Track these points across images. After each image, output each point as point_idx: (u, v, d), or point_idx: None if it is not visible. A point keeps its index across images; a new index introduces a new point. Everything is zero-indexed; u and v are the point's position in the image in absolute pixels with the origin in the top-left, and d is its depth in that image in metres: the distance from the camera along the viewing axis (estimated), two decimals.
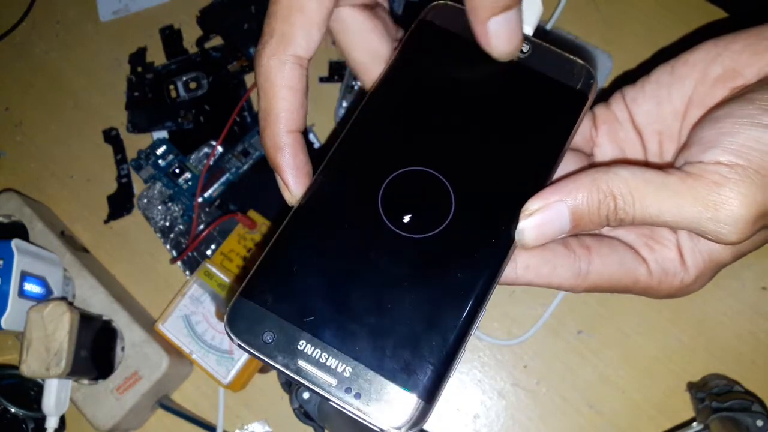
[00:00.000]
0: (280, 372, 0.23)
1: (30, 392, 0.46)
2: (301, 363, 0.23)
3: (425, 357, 0.22)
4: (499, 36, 0.25)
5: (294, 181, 0.26)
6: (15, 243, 0.43)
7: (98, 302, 0.46)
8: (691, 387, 0.42)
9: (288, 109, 0.26)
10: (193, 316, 0.44)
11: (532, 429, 0.43)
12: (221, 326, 0.44)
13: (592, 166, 0.29)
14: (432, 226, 0.24)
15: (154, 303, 0.49)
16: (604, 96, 0.31)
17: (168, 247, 0.50)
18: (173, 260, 0.49)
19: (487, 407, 0.44)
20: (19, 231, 0.48)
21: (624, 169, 0.24)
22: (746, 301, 0.43)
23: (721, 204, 0.22)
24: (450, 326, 0.23)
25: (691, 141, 0.25)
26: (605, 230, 0.28)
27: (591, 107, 0.28)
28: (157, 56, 0.56)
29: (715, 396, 0.39)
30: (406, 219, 0.24)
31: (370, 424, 0.22)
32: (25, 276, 0.43)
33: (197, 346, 0.44)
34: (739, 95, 0.25)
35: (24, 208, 0.49)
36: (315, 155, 0.48)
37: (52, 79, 0.57)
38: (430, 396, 0.22)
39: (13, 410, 0.44)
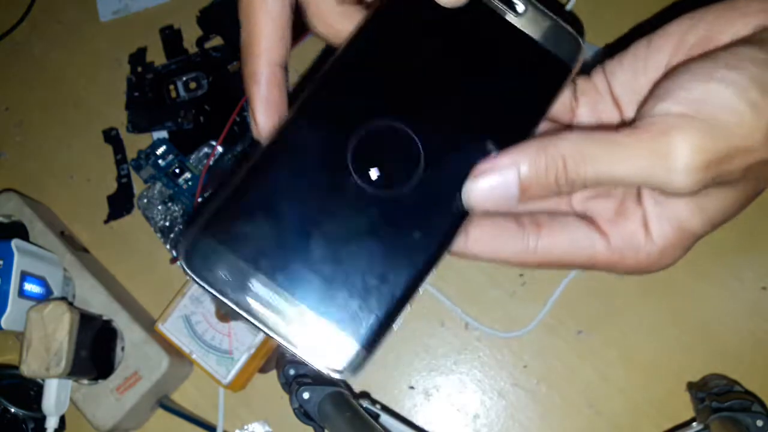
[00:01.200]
0: (224, 305, 0.24)
1: (30, 392, 0.46)
2: (250, 301, 0.23)
3: (371, 308, 0.23)
4: None
5: (263, 115, 0.26)
6: (15, 243, 0.43)
7: (98, 302, 0.46)
8: (691, 387, 0.42)
9: (268, 40, 0.26)
10: (193, 316, 0.44)
11: (532, 429, 0.43)
12: (221, 326, 0.44)
13: None
14: (397, 182, 0.25)
15: (154, 303, 0.49)
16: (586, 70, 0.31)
17: (168, 247, 0.50)
18: (173, 260, 0.49)
19: (487, 407, 0.44)
20: (19, 231, 0.48)
21: (572, 133, 0.23)
22: (746, 301, 0.43)
23: (670, 152, 0.22)
24: (399, 282, 0.24)
25: (648, 96, 0.25)
26: (572, 204, 0.28)
27: (574, 80, 0.28)
28: (157, 56, 0.56)
29: (715, 396, 0.39)
30: (373, 173, 0.25)
31: (313, 366, 0.23)
32: (25, 276, 0.43)
33: (197, 346, 0.44)
34: (706, 54, 0.25)
35: (24, 208, 0.49)
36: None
37: (52, 79, 0.57)
38: (370, 345, 0.23)
39: (13, 410, 0.44)
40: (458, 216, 0.24)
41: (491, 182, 0.24)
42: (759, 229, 0.44)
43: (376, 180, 0.25)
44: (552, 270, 0.28)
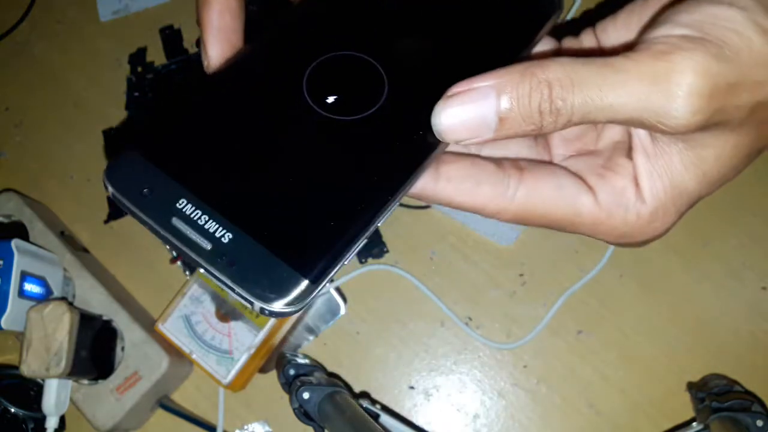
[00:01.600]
0: (148, 227, 0.21)
1: (30, 392, 0.46)
2: (176, 221, 0.20)
3: (318, 237, 0.20)
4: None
5: (214, 42, 0.24)
6: (15, 243, 0.43)
7: (98, 302, 0.46)
8: (691, 387, 0.42)
9: None
10: (193, 316, 0.44)
11: (532, 429, 0.43)
12: (221, 326, 0.44)
13: None
14: (356, 109, 0.22)
15: (154, 303, 0.49)
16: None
17: (168, 247, 0.50)
18: (173, 260, 0.49)
19: (487, 407, 0.44)
20: (19, 231, 0.48)
21: (563, 57, 0.20)
22: (746, 301, 0.43)
23: (672, 74, 0.19)
24: (355, 211, 0.21)
25: (647, 25, 0.23)
26: (552, 161, 0.25)
27: (559, 40, 0.27)
28: (157, 56, 0.56)
29: (715, 396, 0.39)
30: (330, 98, 0.23)
31: (245, 298, 0.20)
32: (25, 276, 0.43)
33: (197, 346, 0.44)
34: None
35: (24, 208, 0.49)
36: None
37: (52, 79, 0.57)
38: (315, 277, 0.20)
39: (13, 410, 0.44)
40: (424, 147, 0.22)
41: (466, 106, 0.20)
42: (759, 229, 0.44)
43: (332, 104, 0.22)
44: (527, 225, 0.26)
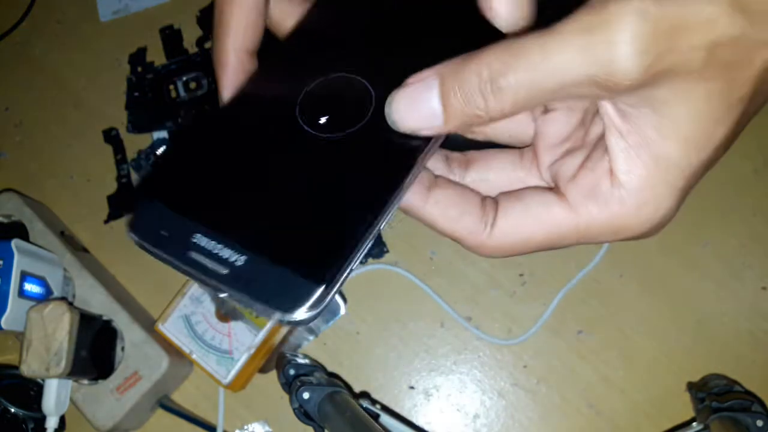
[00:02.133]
0: (170, 264, 0.23)
1: (30, 392, 0.46)
2: (193, 255, 0.22)
3: (324, 243, 0.22)
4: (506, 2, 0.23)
5: (230, 91, 0.26)
6: (15, 243, 0.43)
7: (98, 302, 0.46)
8: (691, 387, 0.42)
9: (238, 27, 0.25)
10: (193, 316, 0.44)
11: (532, 429, 0.43)
12: (221, 326, 0.44)
13: None
14: (345, 126, 0.24)
15: (154, 303, 0.49)
16: None
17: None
18: None
19: (487, 407, 0.44)
20: (19, 231, 0.48)
21: (507, 39, 0.20)
22: (746, 301, 0.43)
23: (610, 21, 0.18)
24: (353, 218, 0.22)
25: None
26: (541, 173, 0.25)
27: None
28: (157, 56, 0.56)
29: (715, 396, 0.39)
30: (322, 119, 0.24)
31: (268, 313, 0.21)
32: (25, 276, 0.43)
33: (197, 346, 0.44)
34: None
35: (24, 208, 0.49)
36: None
37: (52, 79, 0.57)
38: (324, 278, 0.21)
39: (13, 410, 0.44)
40: (411, 151, 0.23)
41: (413, 95, 0.21)
42: (759, 229, 0.44)
43: (324, 124, 0.24)
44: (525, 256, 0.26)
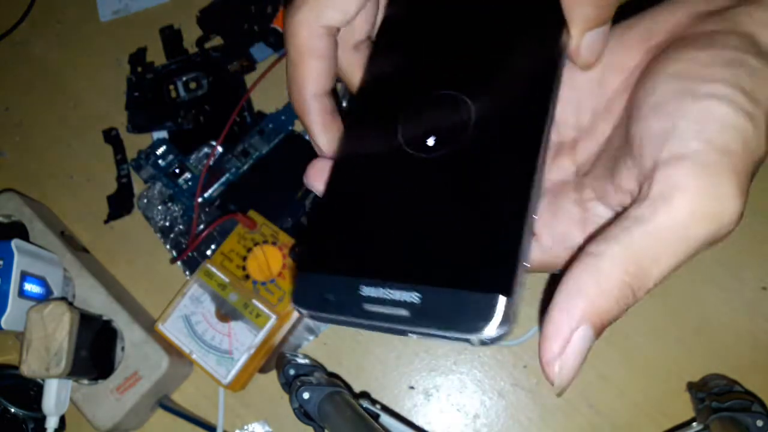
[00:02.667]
0: (350, 324, 0.23)
1: (30, 392, 0.46)
2: (368, 307, 0.22)
3: (486, 253, 0.21)
4: (592, 49, 0.25)
5: (323, 139, 0.28)
6: (15, 243, 0.43)
7: (98, 302, 0.46)
8: (691, 387, 0.42)
9: (315, 76, 0.27)
10: (193, 316, 0.44)
11: (532, 429, 0.43)
12: (221, 326, 0.44)
13: None
14: (453, 140, 0.24)
15: (154, 303, 0.49)
16: None
17: (168, 247, 0.50)
18: (173, 260, 0.49)
19: (487, 407, 0.44)
20: (19, 231, 0.48)
21: (616, 246, 0.21)
22: (746, 301, 0.43)
23: (718, 199, 0.20)
24: (502, 219, 0.22)
25: (633, 139, 0.23)
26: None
27: None
28: (157, 56, 0.56)
29: (715, 396, 0.39)
30: (429, 141, 0.24)
31: (461, 339, 0.21)
32: (25, 276, 0.43)
33: (197, 346, 0.44)
34: (658, 59, 0.24)
35: (24, 208, 0.49)
36: (314, 155, 0.48)
37: (52, 79, 0.57)
38: (506, 289, 0.21)
39: (13, 410, 0.44)
40: (530, 134, 0.23)
41: (570, 354, 0.21)
42: (759, 230, 0.44)
43: (433, 146, 0.24)
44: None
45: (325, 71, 0.27)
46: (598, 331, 0.22)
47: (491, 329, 0.21)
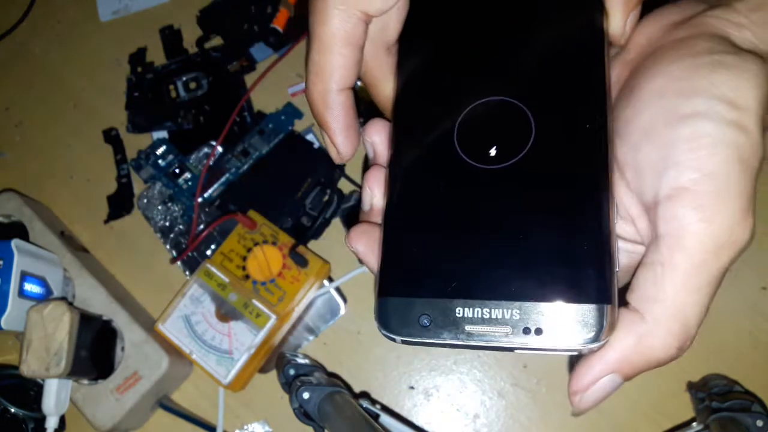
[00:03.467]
0: (453, 347, 0.22)
1: (30, 392, 0.46)
2: (469, 328, 0.22)
3: (581, 263, 0.21)
4: (632, 29, 0.25)
5: (343, 141, 0.26)
6: (15, 243, 0.43)
7: (98, 302, 0.46)
8: (691, 387, 0.42)
9: (344, 66, 0.25)
10: (193, 316, 0.44)
11: (532, 429, 0.43)
12: (221, 326, 0.44)
13: None
14: (518, 146, 0.24)
15: (154, 303, 0.49)
16: None
17: (168, 247, 0.50)
18: (173, 260, 0.49)
19: (487, 407, 0.44)
20: (19, 231, 0.48)
21: (656, 308, 0.22)
22: (746, 301, 0.43)
23: (726, 231, 0.21)
24: (587, 223, 0.22)
25: (625, 167, 0.24)
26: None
27: None
28: (157, 56, 0.56)
29: (715, 396, 0.39)
30: (492, 152, 0.24)
31: (567, 351, 0.21)
32: (24, 276, 0.43)
33: (197, 346, 0.44)
34: (637, 74, 0.24)
35: (24, 208, 0.49)
36: (315, 155, 0.48)
37: (52, 79, 0.57)
38: (607, 296, 0.21)
39: (13, 410, 0.44)
40: (599, 138, 0.23)
41: (591, 399, 0.24)
42: (759, 230, 0.44)
43: (496, 155, 0.24)
44: None
45: (355, 63, 0.25)
46: (628, 378, 0.23)
47: (603, 337, 0.21)
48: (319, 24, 0.24)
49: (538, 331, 0.21)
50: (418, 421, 0.44)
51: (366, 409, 0.41)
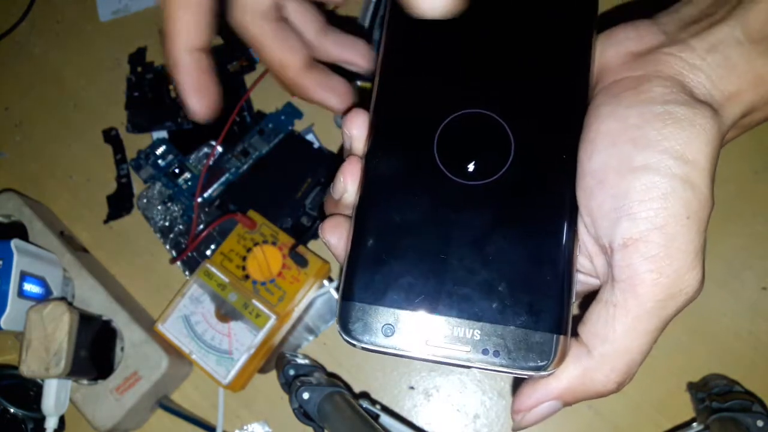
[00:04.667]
0: (413, 359, 0.23)
1: (29, 392, 0.46)
2: (430, 342, 0.22)
3: (542, 292, 0.22)
4: None
5: (196, 101, 0.26)
6: (14, 243, 0.43)
7: (98, 302, 0.46)
8: (691, 387, 0.41)
9: (185, 27, 0.26)
10: (193, 316, 0.44)
11: (532, 429, 0.43)
12: (221, 326, 0.44)
13: None
14: (497, 165, 0.24)
15: (153, 303, 0.49)
16: None
17: (168, 247, 0.50)
18: (173, 260, 0.49)
19: (487, 407, 0.44)
20: (19, 231, 0.48)
21: (604, 346, 0.23)
22: (746, 301, 0.43)
23: (679, 281, 0.22)
24: (553, 254, 0.23)
25: (581, 210, 0.24)
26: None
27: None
28: (157, 56, 0.56)
29: (716, 396, 0.38)
30: (470, 167, 0.24)
31: (520, 374, 0.22)
32: (24, 276, 0.43)
33: (197, 347, 0.44)
34: (590, 112, 0.24)
35: (23, 208, 0.49)
36: (315, 155, 0.48)
37: (52, 79, 0.57)
38: (562, 328, 0.22)
39: (12, 410, 0.44)
40: (565, 169, 0.24)
41: (531, 419, 0.25)
42: (759, 230, 0.44)
43: (474, 172, 0.24)
44: None
45: (198, 26, 0.26)
46: (568, 405, 0.24)
47: (552, 367, 0.22)
48: None
49: (496, 353, 0.22)
50: (418, 422, 0.44)
51: (366, 410, 0.41)
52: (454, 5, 0.21)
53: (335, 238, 0.25)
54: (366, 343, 0.23)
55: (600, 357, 0.23)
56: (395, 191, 0.24)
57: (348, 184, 0.25)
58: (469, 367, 0.23)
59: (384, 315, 0.23)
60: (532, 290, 0.22)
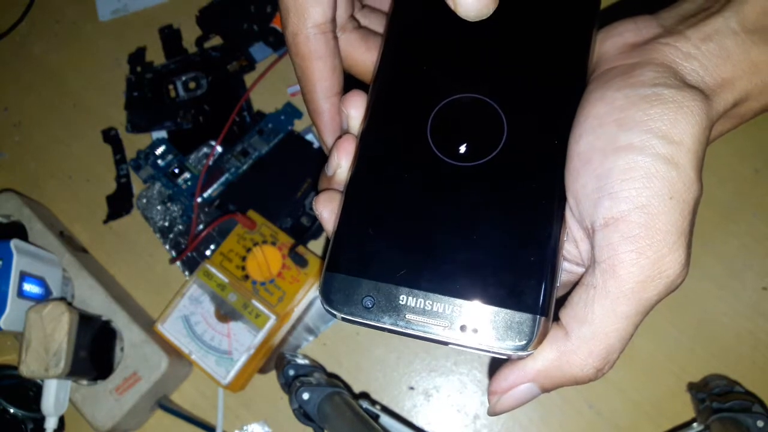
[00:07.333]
0: (390, 332, 0.23)
1: (29, 392, 0.46)
2: (409, 316, 0.23)
3: (525, 272, 0.22)
4: None
5: (332, 141, 0.28)
6: (14, 243, 0.43)
7: (97, 302, 0.46)
8: (692, 387, 0.41)
9: (321, 78, 0.27)
10: (193, 316, 0.44)
11: (532, 429, 0.43)
12: (220, 326, 0.44)
13: None
14: (489, 148, 0.24)
15: (153, 303, 0.49)
16: None
17: (167, 247, 0.50)
18: (172, 260, 0.49)
19: (487, 407, 0.44)
20: (18, 231, 0.48)
21: (583, 329, 0.23)
22: (746, 301, 0.43)
23: (658, 265, 0.22)
24: (538, 235, 0.23)
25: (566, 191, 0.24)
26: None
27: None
28: (156, 56, 0.56)
29: (716, 396, 0.38)
30: (462, 149, 0.24)
31: (497, 353, 0.22)
32: (24, 276, 0.43)
33: (196, 347, 0.43)
34: (582, 97, 0.24)
35: (23, 208, 0.49)
36: (315, 155, 0.48)
37: (51, 79, 0.57)
38: (544, 309, 0.22)
39: (12, 411, 0.44)
40: (554, 152, 0.24)
41: (513, 399, 0.24)
42: (759, 229, 0.44)
43: (466, 153, 0.24)
44: None
45: (329, 70, 0.27)
46: (546, 391, 0.24)
47: (531, 347, 0.22)
48: (291, 51, 0.27)
49: (474, 331, 0.22)
50: (418, 422, 0.44)
51: (366, 410, 0.41)
52: (493, 5, 0.23)
53: (327, 211, 0.26)
54: (346, 314, 0.23)
55: (577, 340, 0.23)
56: (385, 169, 0.25)
57: (342, 160, 0.26)
58: (447, 343, 0.23)
59: (365, 287, 0.23)
60: (514, 270, 0.22)
